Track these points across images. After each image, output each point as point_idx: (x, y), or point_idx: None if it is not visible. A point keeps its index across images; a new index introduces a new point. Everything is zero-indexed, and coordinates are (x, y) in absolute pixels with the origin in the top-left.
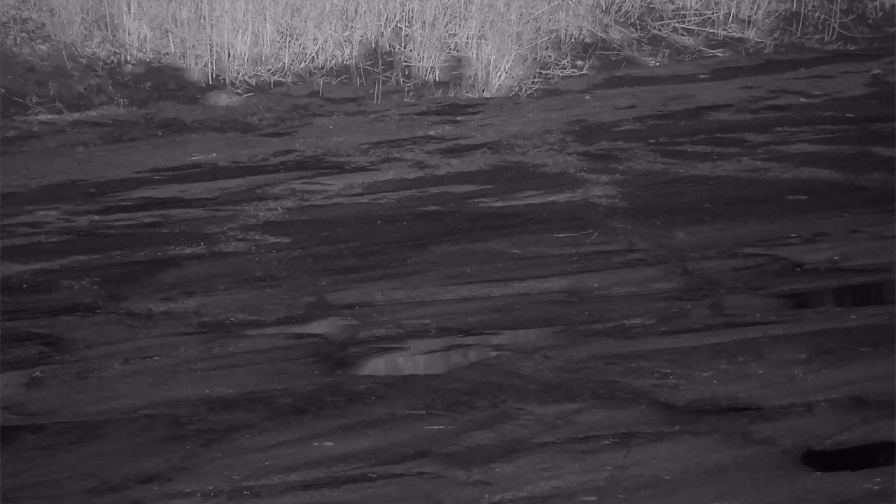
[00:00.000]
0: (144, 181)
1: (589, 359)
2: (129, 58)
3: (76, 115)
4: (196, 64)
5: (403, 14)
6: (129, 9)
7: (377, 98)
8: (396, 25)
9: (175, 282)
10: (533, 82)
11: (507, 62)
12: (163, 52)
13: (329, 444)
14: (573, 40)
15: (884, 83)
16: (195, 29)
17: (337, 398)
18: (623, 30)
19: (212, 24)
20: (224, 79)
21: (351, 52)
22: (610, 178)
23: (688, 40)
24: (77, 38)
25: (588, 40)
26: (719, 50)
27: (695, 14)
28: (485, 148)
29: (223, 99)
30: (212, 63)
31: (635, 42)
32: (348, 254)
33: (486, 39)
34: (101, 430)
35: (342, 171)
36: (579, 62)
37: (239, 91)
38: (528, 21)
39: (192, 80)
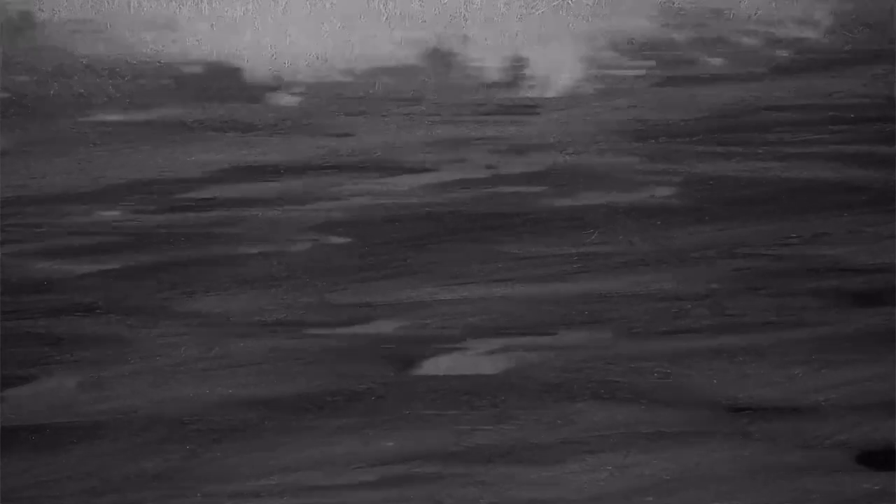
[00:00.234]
0: (207, 180)
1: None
2: (191, 58)
3: (139, 115)
4: (258, 64)
5: (467, 13)
6: (193, 9)
7: (439, 97)
8: (459, 25)
9: (232, 277)
10: (594, 81)
11: (569, 62)
12: (225, 53)
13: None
14: (633, 41)
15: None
16: (258, 30)
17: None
18: (685, 31)
19: (273, 25)
20: (284, 79)
21: (413, 51)
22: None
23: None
24: (136, 39)
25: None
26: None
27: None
28: (548, 148)
29: (285, 99)
30: (273, 63)
31: (699, 42)
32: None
33: (548, 39)
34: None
35: (404, 171)
36: (640, 62)
37: (300, 91)
38: (591, 20)
39: (253, 81)
